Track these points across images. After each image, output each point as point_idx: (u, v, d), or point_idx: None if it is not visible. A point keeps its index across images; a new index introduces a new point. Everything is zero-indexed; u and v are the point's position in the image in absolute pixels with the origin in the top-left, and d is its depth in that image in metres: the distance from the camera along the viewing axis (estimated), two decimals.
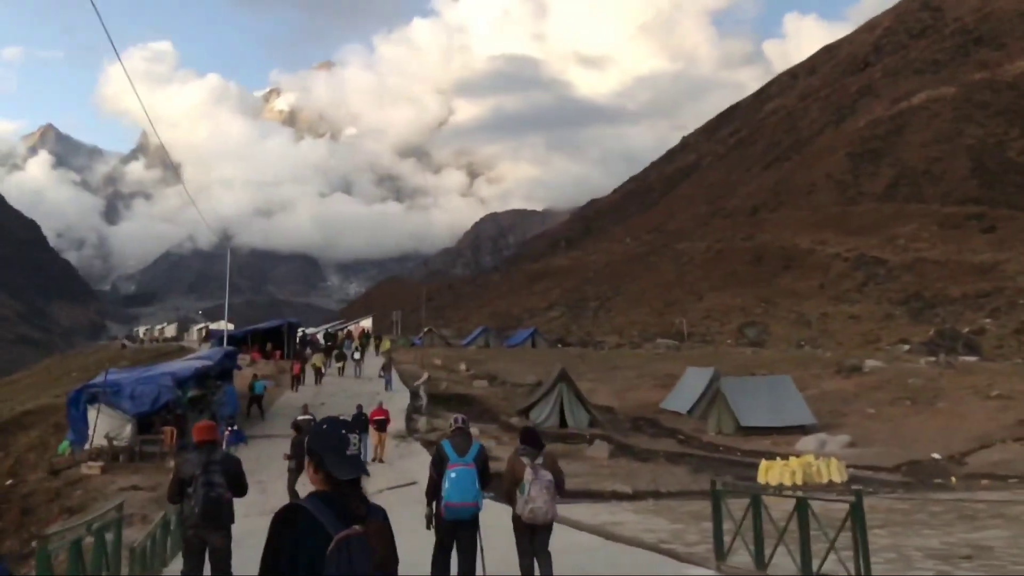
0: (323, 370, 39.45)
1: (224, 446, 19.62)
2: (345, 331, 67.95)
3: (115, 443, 21.68)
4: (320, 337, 60.53)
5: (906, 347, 62.61)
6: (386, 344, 53.63)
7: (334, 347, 48.06)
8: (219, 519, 7.10)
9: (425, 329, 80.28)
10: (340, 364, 43.31)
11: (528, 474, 7.77)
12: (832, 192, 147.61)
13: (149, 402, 22.03)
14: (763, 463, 22.40)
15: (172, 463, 21.62)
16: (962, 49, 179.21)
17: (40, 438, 27.01)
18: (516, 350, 68.70)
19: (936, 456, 27.23)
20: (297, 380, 36.93)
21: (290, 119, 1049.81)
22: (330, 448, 2.94)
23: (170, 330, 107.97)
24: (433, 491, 8.03)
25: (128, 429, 22.08)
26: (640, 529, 12.23)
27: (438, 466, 8.01)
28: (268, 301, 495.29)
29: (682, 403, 39.10)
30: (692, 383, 40.13)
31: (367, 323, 79.74)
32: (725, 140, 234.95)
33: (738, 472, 23.45)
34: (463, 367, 50.15)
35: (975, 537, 10.91)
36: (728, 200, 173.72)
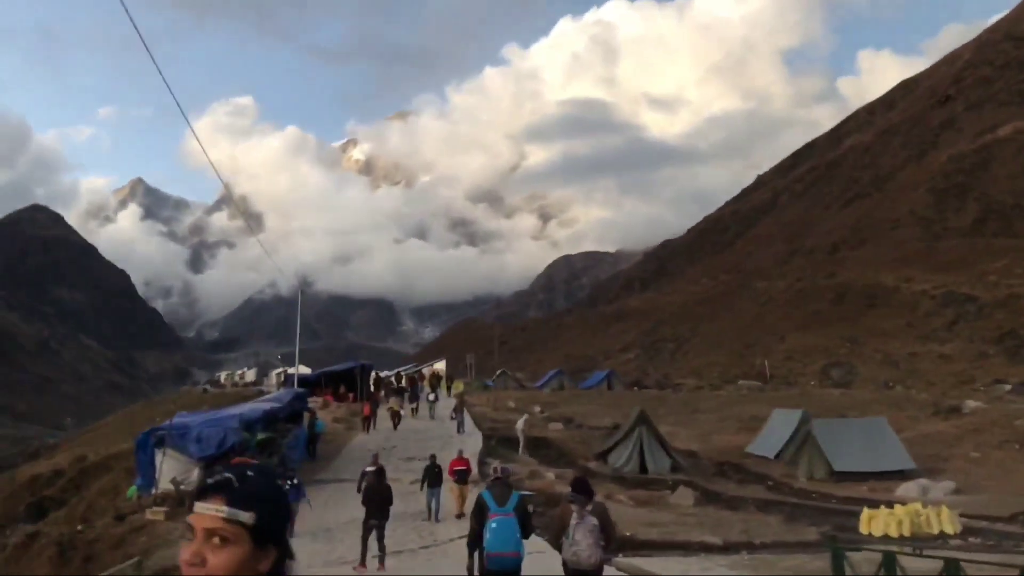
0: (401, 413, 38.17)
1: None
2: (418, 373, 67.52)
3: (182, 488, 21.14)
4: (393, 379, 60.10)
5: (1007, 387, 59.01)
6: (459, 386, 52.83)
7: (406, 389, 47.40)
8: None
9: (498, 371, 79.36)
10: (413, 405, 42.59)
11: (574, 519, 7.94)
12: (916, 228, 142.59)
13: (215, 445, 21.41)
14: (865, 511, 20.61)
15: None
16: None
17: (113, 482, 26.80)
18: (591, 393, 67.21)
19: None
20: (368, 422, 36.32)
21: (366, 168, 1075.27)
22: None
23: (250, 375, 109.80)
24: (474, 541, 8.20)
25: (195, 473, 21.54)
26: None
27: (479, 516, 8.22)
28: (345, 346, 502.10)
29: (769, 447, 37.09)
30: (779, 426, 38.11)
31: (440, 365, 79.30)
32: (802, 178, 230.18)
33: (836, 521, 21.72)
34: (538, 409, 48.97)
35: None
36: (807, 238, 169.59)
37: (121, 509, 21.37)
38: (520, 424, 34.85)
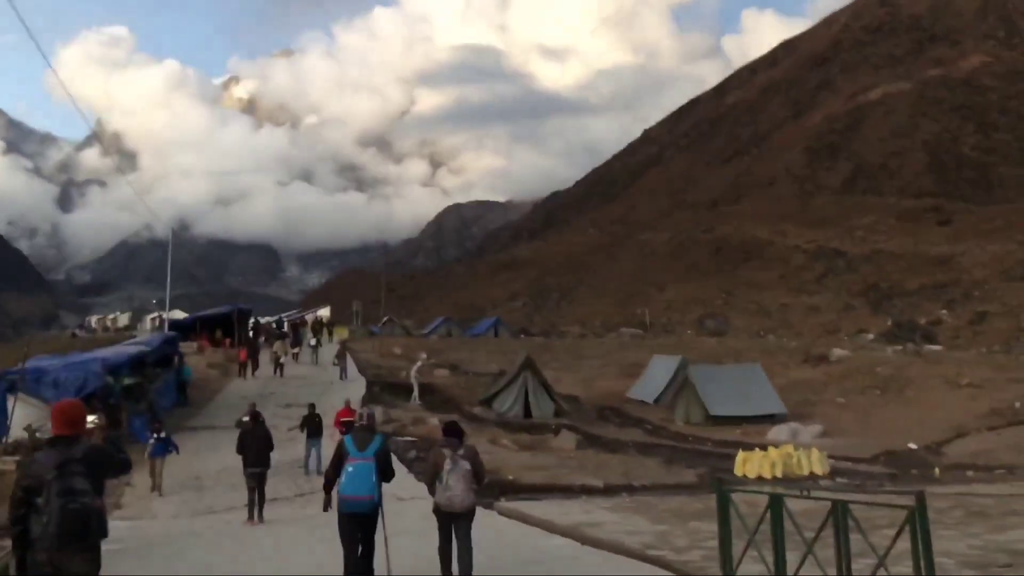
0: (282, 359, 36.49)
1: (149, 455, 17.31)
2: (300, 320, 65.92)
3: (37, 435, 19.73)
4: (274, 325, 58.43)
5: (870, 336, 62.29)
6: (342, 332, 51.82)
7: (288, 334, 46.06)
8: (83, 536, 5.06)
9: (385, 318, 78.39)
10: (295, 351, 41.41)
11: (447, 464, 8.07)
12: (791, 185, 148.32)
13: (74, 390, 19.93)
14: (740, 454, 21.20)
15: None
16: (918, 45, 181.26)
17: None
18: (478, 340, 67.24)
19: (913, 446, 26.38)
20: (244, 367, 35.10)
21: (249, 107, 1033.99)
22: None
23: (123, 319, 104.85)
24: (327, 483, 8.35)
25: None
26: (620, 531, 10.83)
27: (336, 462, 8.26)
28: (226, 292, 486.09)
29: (649, 392, 37.96)
30: (658, 372, 39.01)
31: (325, 312, 77.68)
32: (687, 133, 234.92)
33: (712, 463, 22.31)
34: (424, 356, 48.52)
35: (1002, 540, 9.67)
36: (689, 193, 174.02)
37: None
38: (414, 371, 34.34)
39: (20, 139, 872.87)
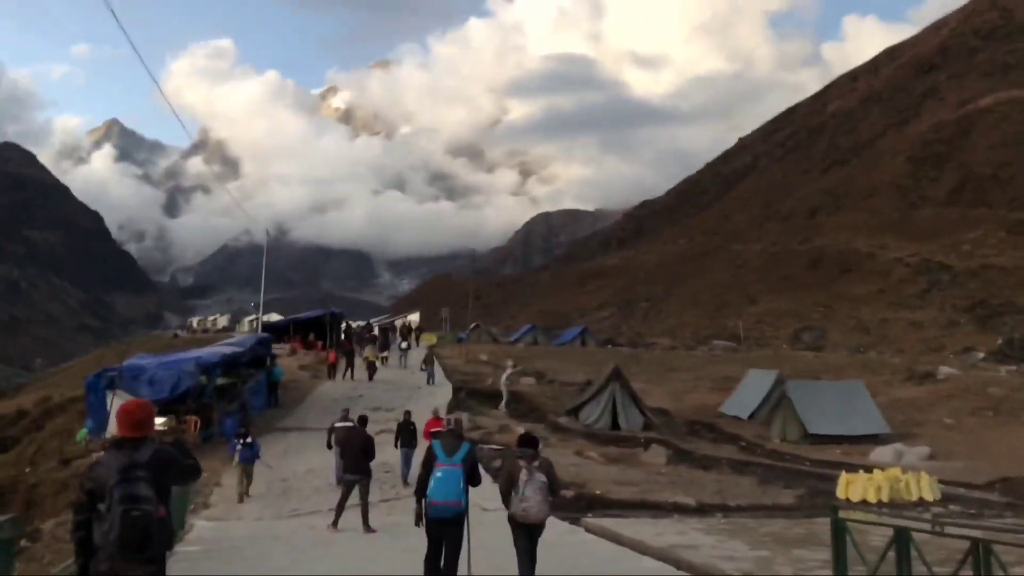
0: (376, 364, 36.69)
1: (238, 462, 16.94)
2: (391, 324, 66.55)
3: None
4: (364, 330, 59.09)
5: (980, 355, 59.07)
6: (430, 338, 51.96)
7: (377, 338, 46.43)
8: (145, 547, 4.72)
9: (472, 325, 78.54)
10: (384, 355, 41.65)
11: (523, 475, 8.14)
12: (893, 197, 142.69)
13: (168, 388, 20.28)
14: (843, 476, 20.01)
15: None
16: None
17: (66, 425, 25.75)
18: (565, 349, 66.60)
19: None
20: (334, 369, 35.40)
21: (346, 117, 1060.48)
22: None
23: (223, 321, 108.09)
24: (421, 490, 8.35)
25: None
26: (717, 556, 10.13)
27: (427, 466, 8.36)
28: (320, 296, 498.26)
29: (743, 408, 36.63)
30: (754, 386, 37.64)
31: (414, 317, 78.33)
32: (783, 142, 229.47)
33: (811, 485, 21.19)
34: (511, 363, 48.26)
35: None
36: (785, 203, 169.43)
37: (68, 453, 20.38)
38: (504, 378, 33.99)
39: (132, 147, 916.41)
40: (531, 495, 8.07)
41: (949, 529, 5.79)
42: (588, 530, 12.65)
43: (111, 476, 4.73)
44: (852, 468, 21.72)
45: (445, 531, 8.08)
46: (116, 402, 20.77)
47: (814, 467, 25.50)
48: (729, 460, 25.32)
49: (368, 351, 38.21)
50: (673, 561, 9.80)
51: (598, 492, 16.98)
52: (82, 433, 21.62)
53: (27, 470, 21.30)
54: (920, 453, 27.72)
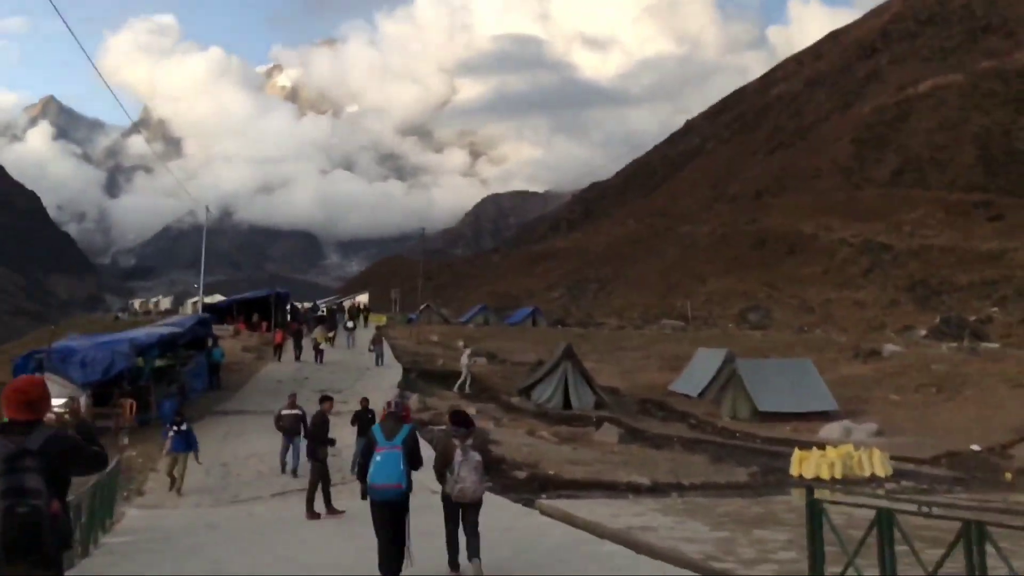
0: (321, 345, 35.56)
1: (168, 450, 15.64)
2: (338, 305, 65.46)
3: (67, 417, 19.13)
4: (309, 310, 58.03)
5: (922, 333, 60.24)
6: (379, 319, 51.15)
7: (325, 319, 45.47)
8: (32, 548, 4.02)
9: (422, 305, 77.72)
10: (331, 334, 40.73)
11: (458, 455, 8.11)
12: (837, 178, 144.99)
13: (101, 370, 19.33)
14: (796, 453, 19.94)
15: (125, 440, 19.11)
16: (970, 36, 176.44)
17: None
18: (516, 329, 66.27)
19: (976, 448, 24.86)
20: (280, 350, 34.50)
21: (292, 95, 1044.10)
22: None
23: (165, 303, 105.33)
24: (360, 473, 8.31)
25: (82, 400, 19.51)
26: (677, 537, 9.77)
27: (366, 451, 8.32)
28: (267, 278, 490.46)
29: (693, 386, 36.65)
30: (703, 365, 37.67)
31: (363, 298, 77.25)
32: (729, 124, 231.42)
33: (764, 462, 21.14)
34: (461, 344, 47.76)
35: None
36: (732, 184, 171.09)
37: None
38: (464, 359, 33.21)
39: (70, 126, 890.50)
40: (467, 475, 8.04)
41: (937, 511, 5.41)
42: (543, 512, 12.23)
43: None
44: (804, 445, 21.69)
45: (388, 513, 7.94)
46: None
47: (765, 444, 25.53)
48: (680, 438, 25.19)
49: (317, 332, 37.28)
50: (633, 544, 9.41)
51: (551, 472, 16.61)
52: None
53: None
54: (868, 429, 27.95)
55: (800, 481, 17.88)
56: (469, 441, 8.25)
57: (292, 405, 17.12)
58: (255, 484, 15.45)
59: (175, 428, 15.64)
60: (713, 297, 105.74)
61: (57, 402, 16.38)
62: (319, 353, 35.01)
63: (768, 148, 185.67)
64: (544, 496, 14.21)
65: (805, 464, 19.13)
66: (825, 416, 30.45)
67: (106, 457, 4.73)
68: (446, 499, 8.31)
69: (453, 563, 8.30)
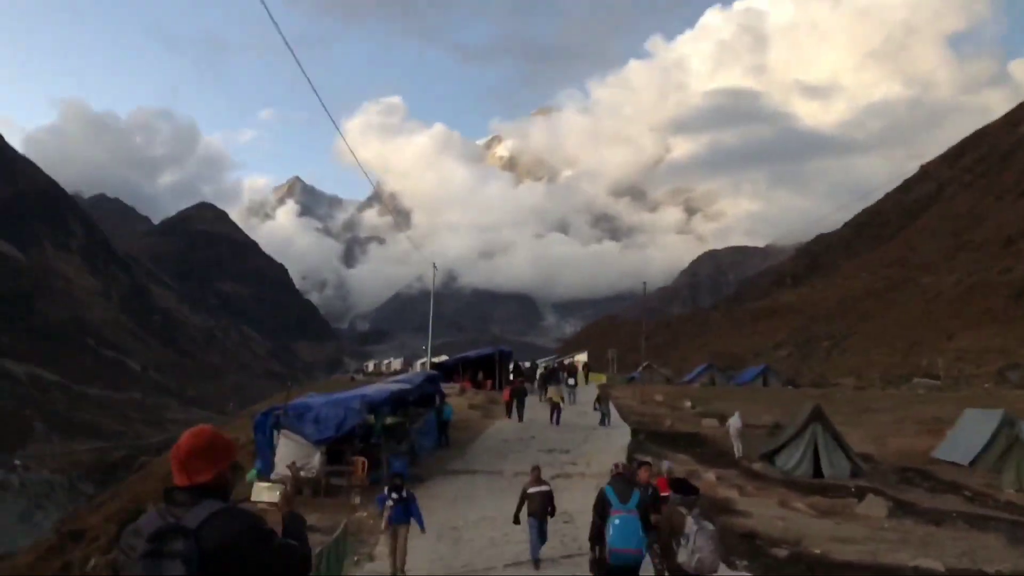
0: (561, 405, 33.63)
1: (385, 525, 13.00)
2: (558, 363, 64.97)
3: (301, 473, 19.17)
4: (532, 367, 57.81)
5: None
6: (600, 377, 49.83)
7: (549, 377, 44.81)
8: None
9: (644, 364, 75.73)
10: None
11: (690, 523, 7.70)
12: None
13: (334, 427, 19.24)
14: None
15: (357, 500, 18.78)
16: None
17: (241, 464, 25.40)
18: (745, 389, 62.64)
19: None
20: (510, 406, 33.84)
21: (510, 164, 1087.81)
22: None
23: (396, 363, 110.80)
24: (597, 536, 8.19)
25: (316, 458, 19.54)
26: None
27: (600, 511, 8.26)
28: (488, 339, 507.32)
29: (961, 453, 32.13)
30: (973, 429, 33.01)
31: (581, 357, 76.50)
32: (971, 168, 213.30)
33: None
34: (688, 404, 45.41)
35: None
36: (977, 231, 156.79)
37: (237, 494, 19.71)
38: (735, 421, 30.59)
39: (312, 202, 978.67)
40: (703, 545, 7.52)
41: None
42: None
43: (137, 547, 2.90)
44: None
45: None
46: (282, 442, 20.04)
47: None
48: (962, 514, 21.62)
49: (552, 391, 35.29)
50: None
51: (817, 551, 14.32)
52: (252, 473, 21.03)
53: None
54: None
55: None
56: (697, 510, 7.85)
57: (538, 480, 13.96)
58: (487, 552, 14.37)
59: (394, 494, 13.08)
60: (964, 354, 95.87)
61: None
62: (556, 412, 33.03)
63: (1018, 191, 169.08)
64: None
65: None
66: None
67: (308, 558, 3.39)
68: (677, 570, 7.71)
69: None
